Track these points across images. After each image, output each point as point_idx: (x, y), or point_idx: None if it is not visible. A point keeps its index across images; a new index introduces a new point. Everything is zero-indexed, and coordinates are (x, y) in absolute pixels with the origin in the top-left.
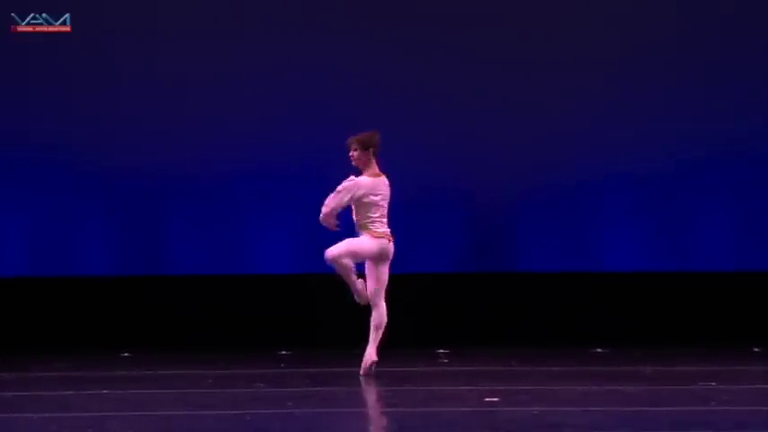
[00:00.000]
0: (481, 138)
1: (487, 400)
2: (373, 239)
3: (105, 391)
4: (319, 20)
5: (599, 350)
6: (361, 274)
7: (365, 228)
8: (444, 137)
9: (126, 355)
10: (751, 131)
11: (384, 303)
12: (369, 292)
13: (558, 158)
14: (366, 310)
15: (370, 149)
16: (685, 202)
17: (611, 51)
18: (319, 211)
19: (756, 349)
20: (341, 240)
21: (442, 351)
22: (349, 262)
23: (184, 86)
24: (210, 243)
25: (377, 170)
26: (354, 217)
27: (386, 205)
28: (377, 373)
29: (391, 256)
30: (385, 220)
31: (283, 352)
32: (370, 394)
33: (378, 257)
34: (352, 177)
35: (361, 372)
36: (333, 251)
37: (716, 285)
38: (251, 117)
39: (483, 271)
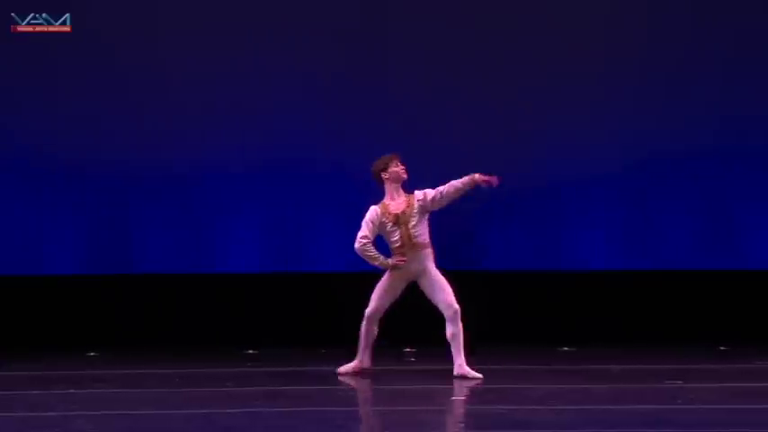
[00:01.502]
0: (445, 137)
1: (455, 398)
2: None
3: (72, 391)
4: (299, 18)
5: (566, 349)
6: None
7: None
8: (408, 137)
9: (93, 354)
10: (714, 130)
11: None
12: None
13: (524, 158)
14: (335, 311)
15: (381, 175)
16: (651, 201)
17: (576, 52)
18: (286, 209)
19: (723, 348)
20: None
21: (409, 350)
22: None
23: (172, 85)
24: (178, 242)
25: (395, 193)
26: (428, 234)
27: (412, 221)
28: (358, 374)
29: (411, 273)
30: (411, 237)
31: (251, 351)
32: (338, 393)
33: (405, 279)
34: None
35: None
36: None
37: (682, 284)
38: (223, 116)
39: (449, 269)
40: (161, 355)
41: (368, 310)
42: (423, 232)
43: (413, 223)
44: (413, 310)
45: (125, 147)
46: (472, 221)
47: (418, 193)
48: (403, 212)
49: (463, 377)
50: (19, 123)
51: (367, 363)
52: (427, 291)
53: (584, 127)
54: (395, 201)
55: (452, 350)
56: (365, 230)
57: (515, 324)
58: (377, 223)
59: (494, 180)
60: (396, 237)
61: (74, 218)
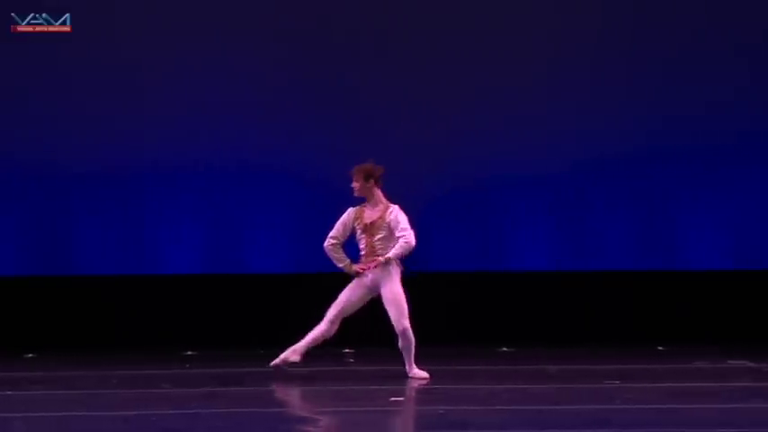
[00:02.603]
0: (391, 137)
1: (393, 399)
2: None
3: (9, 392)
4: (291, 20)
5: (505, 349)
6: None
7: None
8: (362, 133)
9: (30, 356)
10: (654, 129)
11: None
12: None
13: (468, 158)
14: (275, 312)
15: (371, 180)
16: (591, 202)
17: (522, 51)
18: (226, 209)
19: (661, 348)
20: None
21: (348, 350)
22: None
23: (171, 85)
24: (116, 243)
25: (378, 201)
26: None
27: (379, 234)
28: (284, 373)
29: (370, 283)
30: (374, 248)
31: (189, 352)
32: (277, 394)
33: (367, 288)
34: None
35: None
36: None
37: (621, 284)
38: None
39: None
40: (99, 356)
41: (332, 309)
42: (387, 246)
43: (379, 236)
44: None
45: (124, 147)
46: (417, 222)
47: (392, 212)
48: (372, 223)
49: (413, 379)
50: (18, 124)
51: (296, 358)
52: (384, 303)
53: (527, 127)
54: (374, 209)
55: (404, 359)
56: (335, 231)
57: (455, 324)
58: (349, 226)
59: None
60: (362, 244)
61: (5, 218)
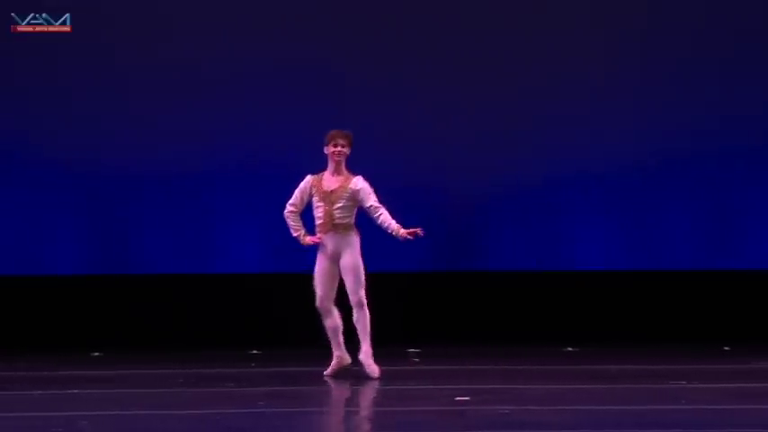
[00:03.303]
0: (452, 136)
1: (458, 399)
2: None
3: (75, 391)
4: (297, 19)
5: (569, 349)
6: None
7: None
8: (415, 135)
9: (96, 354)
10: (716, 128)
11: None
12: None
13: (528, 156)
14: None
15: (324, 149)
16: (654, 200)
17: (579, 49)
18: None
19: (726, 348)
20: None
21: (412, 350)
22: None
23: (175, 85)
24: (182, 242)
25: (335, 170)
26: (353, 218)
27: (339, 203)
28: (348, 372)
29: (331, 253)
30: (332, 217)
31: (254, 351)
32: (341, 394)
33: (332, 260)
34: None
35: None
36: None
37: (687, 284)
38: (224, 116)
39: (453, 270)
40: (164, 355)
41: (316, 302)
42: (347, 215)
43: (338, 205)
44: (417, 312)
45: (123, 147)
46: (472, 222)
47: (359, 183)
48: (332, 191)
49: (361, 364)
50: (19, 123)
51: (346, 358)
52: (341, 273)
53: (584, 125)
54: (333, 177)
55: (359, 335)
56: (294, 199)
57: (518, 324)
58: (306, 193)
59: (418, 231)
60: (319, 213)
61: (75, 218)
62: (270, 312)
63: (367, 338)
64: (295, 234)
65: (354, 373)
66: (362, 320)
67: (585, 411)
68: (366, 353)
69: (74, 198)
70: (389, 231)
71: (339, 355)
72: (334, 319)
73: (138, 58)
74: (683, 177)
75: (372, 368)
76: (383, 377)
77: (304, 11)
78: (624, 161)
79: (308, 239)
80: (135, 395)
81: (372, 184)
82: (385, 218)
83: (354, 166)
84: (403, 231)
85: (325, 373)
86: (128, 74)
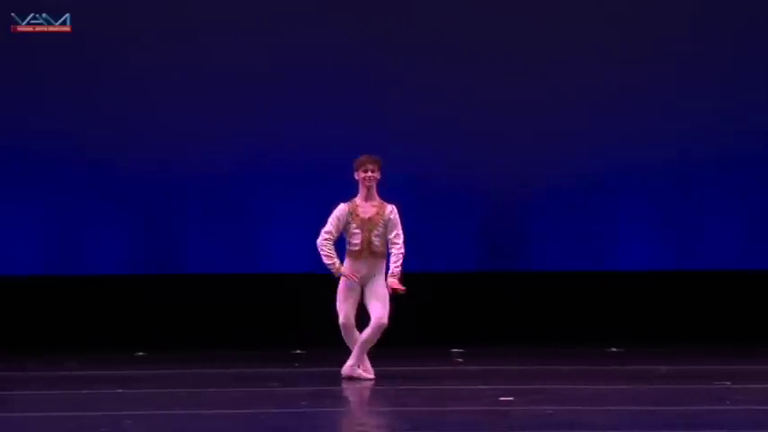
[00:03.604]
0: (495, 136)
1: (502, 399)
2: None
3: (120, 391)
4: (328, 22)
5: (614, 349)
6: None
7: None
8: (458, 136)
9: (141, 354)
10: (762, 128)
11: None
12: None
13: (572, 156)
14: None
15: (354, 175)
16: (698, 200)
17: (621, 47)
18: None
19: None
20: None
21: (456, 350)
22: None
23: (189, 85)
24: (226, 242)
25: (367, 196)
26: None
27: (376, 230)
28: (391, 372)
29: (358, 283)
30: (371, 244)
31: (298, 351)
32: (383, 394)
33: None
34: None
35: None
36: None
37: (731, 284)
38: (264, 116)
39: (497, 270)
40: (208, 354)
41: (340, 320)
42: (383, 243)
43: (376, 232)
44: (460, 312)
45: (167, 148)
46: (516, 223)
47: (393, 211)
48: (370, 219)
49: (349, 377)
50: (21, 123)
51: (370, 371)
52: (366, 296)
53: (627, 125)
54: (366, 203)
55: (355, 349)
56: (330, 226)
57: (562, 324)
58: (343, 221)
59: (400, 289)
60: (356, 240)
61: (118, 219)
62: (313, 312)
63: (361, 354)
64: (329, 262)
65: (397, 374)
66: (372, 339)
67: (629, 412)
68: (351, 366)
69: (116, 199)
70: (390, 265)
71: (364, 367)
72: (356, 337)
73: (138, 58)
74: (727, 176)
75: (364, 374)
76: (427, 377)
77: (322, 8)
78: (669, 160)
79: (346, 273)
80: (179, 395)
81: (415, 187)
82: (396, 257)
83: (399, 170)
84: (392, 279)
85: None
86: (127, 74)
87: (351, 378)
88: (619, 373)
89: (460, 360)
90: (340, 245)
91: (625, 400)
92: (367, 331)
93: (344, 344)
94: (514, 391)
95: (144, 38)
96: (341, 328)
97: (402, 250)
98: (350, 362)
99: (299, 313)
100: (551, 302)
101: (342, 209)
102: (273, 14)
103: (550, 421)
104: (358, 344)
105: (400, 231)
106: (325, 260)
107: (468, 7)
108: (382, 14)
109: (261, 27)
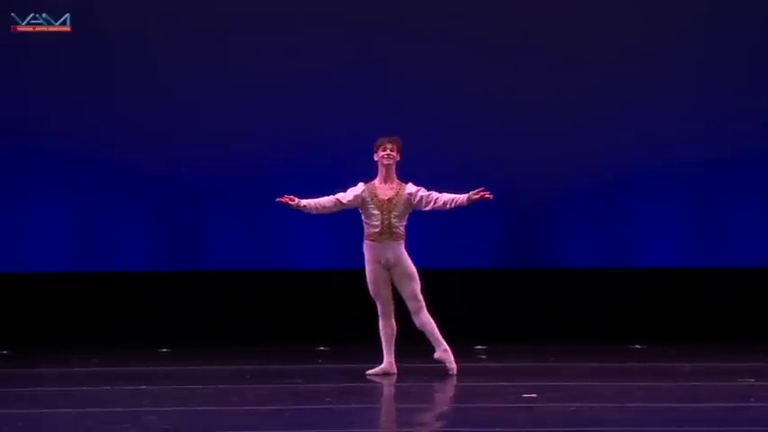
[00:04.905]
0: (520, 133)
1: (525, 396)
2: None
3: (143, 387)
4: (336, 19)
5: (638, 346)
6: None
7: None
8: (482, 133)
9: (164, 350)
10: None
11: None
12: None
13: (597, 154)
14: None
15: (374, 156)
16: (725, 197)
17: (644, 45)
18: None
19: None
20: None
21: (479, 347)
22: None
23: (193, 84)
24: (249, 239)
25: (386, 177)
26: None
27: (395, 211)
28: (414, 369)
29: (384, 261)
30: (391, 225)
31: (321, 348)
32: (407, 390)
33: (382, 266)
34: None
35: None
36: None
37: (755, 281)
38: (281, 113)
39: (522, 267)
40: (232, 351)
41: (379, 308)
42: (403, 224)
43: (396, 213)
44: (485, 308)
45: (190, 146)
46: (541, 219)
47: (410, 187)
48: (389, 200)
49: (442, 361)
50: (25, 123)
51: (394, 368)
52: (396, 280)
53: (654, 124)
54: (384, 185)
55: (430, 339)
56: (344, 197)
57: (586, 321)
58: (359, 199)
59: (486, 194)
60: (375, 221)
61: (145, 216)
62: (337, 309)
63: (440, 338)
64: (303, 203)
65: (420, 370)
66: (428, 324)
67: (652, 409)
68: (446, 350)
69: (142, 197)
70: (457, 204)
71: (390, 361)
72: (392, 325)
73: (138, 58)
74: (755, 174)
75: (452, 365)
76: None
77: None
78: (696, 158)
79: (290, 200)
80: (202, 391)
81: (439, 186)
82: (445, 196)
83: (426, 164)
84: (472, 194)
85: (368, 372)
86: (127, 74)
87: (441, 361)
88: (642, 371)
89: (484, 357)
90: (355, 229)
91: (648, 398)
92: (415, 319)
93: (367, 340)
94: (537, 388)
95: (144, 38)
96: (379, 317)
97: (438, 193)
98: (440, 347)
99: (322, 310)
100: (574, 299)
101: (360, 188)
102: (287, 13)
103: (573, 418)
104: (427, 333)
105: (425, 189)
106: (304, 200)
107: (492, 7)
108: (398, 13)
109: (271, 27)
